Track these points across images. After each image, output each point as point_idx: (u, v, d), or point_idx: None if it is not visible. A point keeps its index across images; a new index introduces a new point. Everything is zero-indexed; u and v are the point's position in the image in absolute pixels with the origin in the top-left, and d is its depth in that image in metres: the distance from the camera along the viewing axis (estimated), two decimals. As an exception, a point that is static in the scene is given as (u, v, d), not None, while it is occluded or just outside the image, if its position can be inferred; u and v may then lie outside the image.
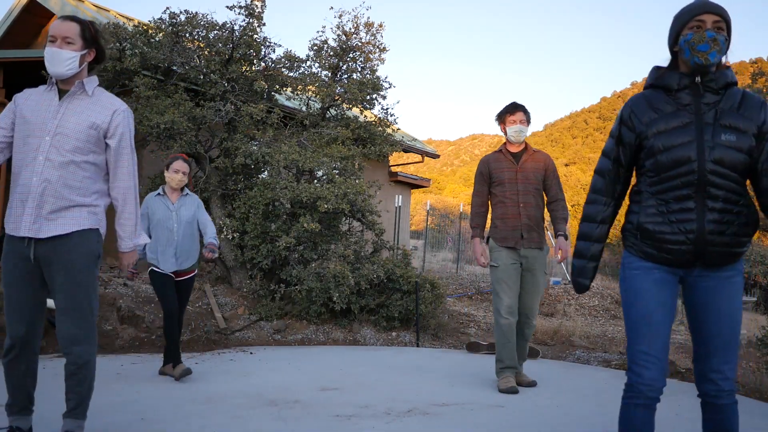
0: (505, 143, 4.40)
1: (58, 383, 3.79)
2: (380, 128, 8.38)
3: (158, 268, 4.18)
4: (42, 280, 2.43)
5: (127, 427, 3.01)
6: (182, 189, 4.38)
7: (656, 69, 2.09)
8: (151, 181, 7.47)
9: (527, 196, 4.23)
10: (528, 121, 4.34)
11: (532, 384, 4.29)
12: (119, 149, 2.50)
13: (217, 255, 4.47)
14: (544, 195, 4.37)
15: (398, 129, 10.74)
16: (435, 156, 15.65)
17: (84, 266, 2.41)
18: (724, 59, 2.02)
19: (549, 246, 4.57)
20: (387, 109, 8.58)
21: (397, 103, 10.36)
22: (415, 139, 15.23)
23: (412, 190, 16.55)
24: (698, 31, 1.93)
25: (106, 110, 2.47)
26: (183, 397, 3.64)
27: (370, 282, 6.43)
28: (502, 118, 4.37)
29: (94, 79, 2.52)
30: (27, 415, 2.58)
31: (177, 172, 4.30)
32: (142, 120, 6.47)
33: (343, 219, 7.30)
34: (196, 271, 4.43)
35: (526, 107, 4.37)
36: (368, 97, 8.16)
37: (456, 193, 57.11)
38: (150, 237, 4.18)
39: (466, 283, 11.04)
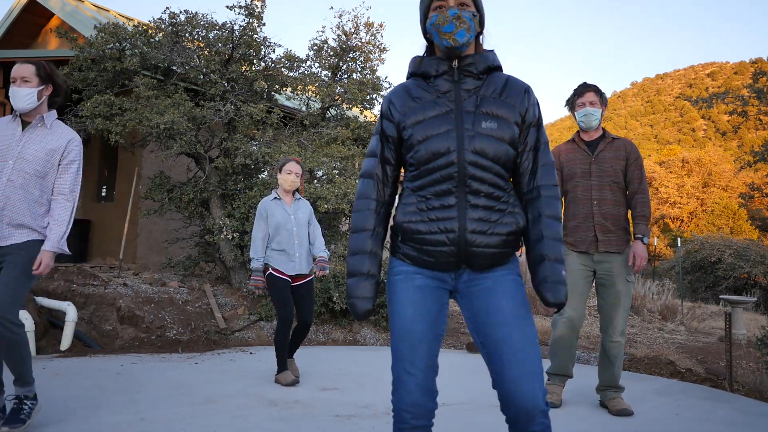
0: (578, 131, 3.83)
1: (58, 383, 3.79)
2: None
3: (279, 272, 4.12)
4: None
5: (127, 427, 3.01)
6: (294, 193, 4.30)
7: (415, 58, 1.87)
8: (150, 181, 7.48)
9: (603, 191, 3.63)
10: (602, 103, 3.72)
11: (624, 412, 3.49)
12: (66, 168, 2.92)
13: (327, 272, 4.37)
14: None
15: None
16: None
17: (28, 264, 2.80)
18: (484, 41, 1.84)
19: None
20: (387, 109, 8.56)
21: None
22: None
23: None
24: (441, 12, 1.74)
25: (62, 139, 2.92)
26: (183, 397, 3.64)
27: (370, 282, 6.42)
28: (572, 104, 3.80)
29: (53, 114, 2.97)
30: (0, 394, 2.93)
31: (290, 173, 4.21)
32: (142, 120, 6.47)
33: (343, 219, 7.30)
34: (312, 275, 4.31)
35: (599, 87, 3.73)
36: (368, 97, 8.16)
37: (456, 193, 57.04)
38: (269, 240, 4.16)
39: (466, 283, 11.02)
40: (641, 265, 3.55)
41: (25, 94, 2.82)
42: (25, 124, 2.89)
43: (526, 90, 1.81)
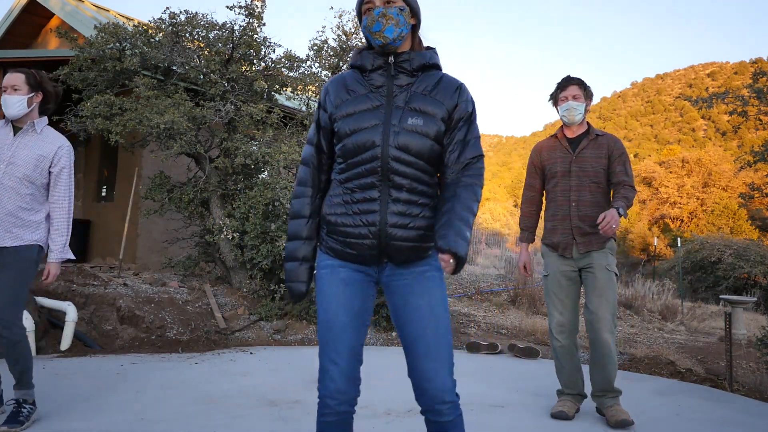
0: (561, 127, 3.65)
1: (58, 383, 3.79)
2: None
3: None
4: None
5: (127, 427, 3.01)
6: None
7: (356, 50, 1.89)
8: (151, 181, 7.48)
9: (582, 192, 3.46)
10: (586, 97, 3.53)
11: (623, 424, 3.26)
12: (59, 176, 3.02)
13: None
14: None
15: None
16: (435, 156, 15.63)
17: (23, 271, 2.92)
18: (425, 37, 1.86)
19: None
20: (387, 109, 8.57)
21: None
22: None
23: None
24: (369, 14, 1.78)
25: (53, 145, 3.01)
26: (183, 397, 3.64)
27: (370, 282, 6.43)
28: (555, 98, 3.62)
29: (44, 120, 3.07)
30: None
31: None
32: (142, 120, 6.47)
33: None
34: None
35: (583, 80, 3.55)
36: (368, 97, 8.14)
37: (456, 193, 57.07)
38: None
39: (466, 283, 11.04)
40: (609, 226, 3.10)
41: (15, 102, 2.94)
42: (16, 130, 3.00)
43: (458, 87, 1.83)
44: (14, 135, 2.99)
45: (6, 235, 2.89)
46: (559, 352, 3.50)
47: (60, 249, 3.01)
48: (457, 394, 1.79)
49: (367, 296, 1.84)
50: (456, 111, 1.81)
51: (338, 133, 1.81)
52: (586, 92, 3.54)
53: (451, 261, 1.64)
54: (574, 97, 3.49)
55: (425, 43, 1.93)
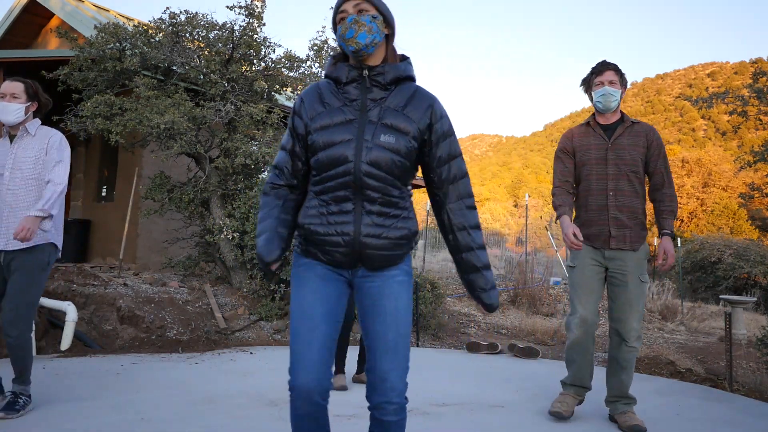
0: (593, 114, 3.47)
1: (58, 383, 3.79)
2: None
3: None
4: (2, 277, 3.14)
5: (127, 427, 3.01)
6: None
7: (331, 59, 1.93)
8: (151, 181, 7.48)
9: (620, 181, 3.29)
10: (622, 84, 3.37)
11: (635, 429, 3.18)
12: (50, 158, 3.18)
13: None
14: (647, 181, 3.42)
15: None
16: (435, 156, 15.62)
17: (37, 270, 3.10)
18: (400, 48, 1.88)
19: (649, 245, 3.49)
20: (387, 108, 8.57)
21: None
22: (415, 139, 15.21)
23: (413, 190, 16.55)
24: (343, 22, 1.82)
25: (45, 138, 3.22)
26: (183, 397, 3.64)
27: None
28: (588, 83, 3.44)
29: (36, 122, 3.26)
30: None
31: None
32: (142, 120, 6.47)
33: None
34: None
35: (619, 66, 3.39)
36: (368, 97, 8.15)
37: (456, 193, 57.00)
38: None
39: (466, 283, 11.01)
40: (671, 263, 3.20)
41: (14, 109, 3.13)
42: (12, 137, 3.21)
43: (431, 104, 1.87)
44: (11, 143, 3.19)
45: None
46: (575, 348, 3.37)
47: (41, 204, 2.99)
48: (406, 398, 1.85)
49: (342, 294, 1.90)
50: (432, 131, 1.86)
51: (312, 146, 1.84)
52: (622, 79, 3.38)
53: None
54: (611, 83, 3.33)
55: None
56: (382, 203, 1.81)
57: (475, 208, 1.92)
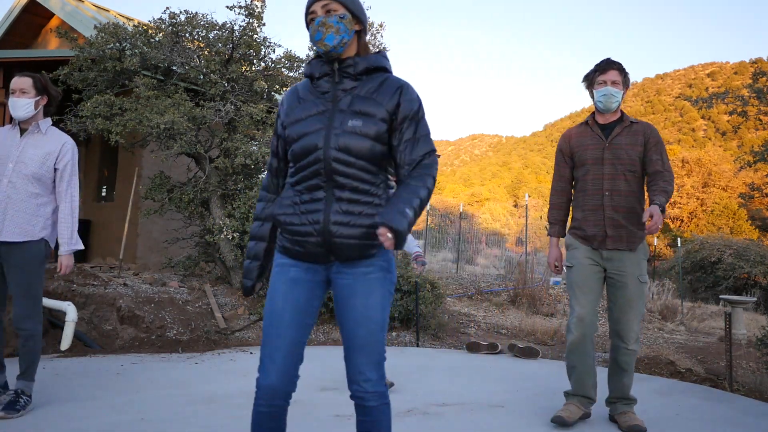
0: (593, 113, 3.43)
1: (58, 383, 3.79)
2: (380, 128, 8.37)
3: None
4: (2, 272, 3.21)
5: (127, 427, 3.01)
6: None
7: (309, 59, 2.03)
8: (150, 181, 7.48)
9: (616, 181, 3.25)
10: (624, 84, 3.32)
11: (635, 429, 3.18)
12: (63, 171, 3.24)
13: (426, 266, 4.22)
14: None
15: (398, 129, 10.71)
16: (435, 156, 15.63)
17: (34, 267, 3.17)
18: (376, 41, 1.92)
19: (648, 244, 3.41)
20: (387, 109, 8.56)
21: (397, 103, 10.42)
22: (415, 139, 15.21)
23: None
24: (312, 24, 1.87)
25: (57, 142, 3.25)
26: (183, 397, 3.64)
27: (370, 282, 6.43)
28: (590, 80, 3.37)
29: (48, 121, 3.30)
30: (1, 372, 3.29)
31: None
32: (142, 120, 6.47)
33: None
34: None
35: (623, 66, 3.33)
36: (368, 97, 8.14)
37: (456, 193, 57.11)
38: None
39: (466, 283, 11.04)
40: (656, 225, 2.90)
41: (23, 104, 3.17)
42: (22, 131, 3.24)
43: (400, 87, 1.88)
44: (21, 136, 3.22)
45: (16, 230, 3.11)
46: (574, 351, 3.30)
47: (68, 240, 3.19)
48: (385, 384, 1.91)
49: (314, 297, 1.93)
50: (399, 111, 1.86)
51: (287, 139, 1.91)
52: (625, 79, 3.33)
53: (389, 235, 1.69)
54: (613, 83, 3.27)
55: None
56: (352, 190, 1.82)
57: (434, 177, 1.85)
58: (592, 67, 3.41)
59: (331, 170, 1.81)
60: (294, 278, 1.90)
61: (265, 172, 2.04)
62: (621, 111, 3.38)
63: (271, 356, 1.87)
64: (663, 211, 3.01)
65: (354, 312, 1.87)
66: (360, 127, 1.81)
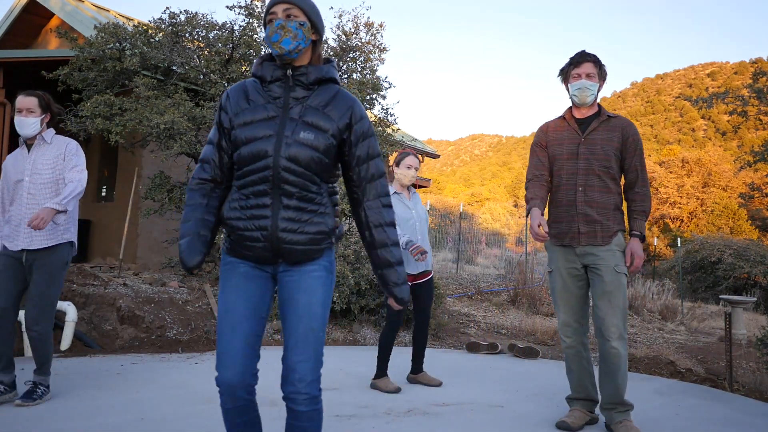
0: (570, 107, 3.35)
1: (58, 383, 3.79)
2: (380, 128, 8.38)
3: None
4: (23, 275, 3.39)
5: (127, 427, 3.01)
6: (408, 187, 4.13)
7: (258, 59, 1.98)
8: (150, 181, 7.48)
9: (589, 176, 3.17)
10: (600, 77, 3.25)
11: None
12: (68, 163, 3.45)
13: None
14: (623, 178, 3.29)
15: (398, 129, 10.74)
16: (435, 156, 15.66)
17: (57, 269, 3.39)
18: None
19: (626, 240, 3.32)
20: (387, 109, 8.58)
21: (397, 103, 10.41)
22: (415, 139, 15.25)
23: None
24: (270, 25, 1.88)
25: (62, 145, 3.50)
26: (183, 397, 3.64)
27: (370, 282, 6.43)
28: (565, 74, 3.30)
29: (51, 131, 3.53)
30: (10, 371, 3.41)
31: (410, 168, 4.02)
32: (142, 120, 6.47)
33: (344, 219, 7.29)
34: (432, 273, 4.09)
35: (599, 58, 3.25)
36: (368, 97, 8.16)
37: (456, 193, 57.14)
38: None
39: (466, 283, 11.04)
40: (638, 266, 3.10)
41: (31, 123, 3.41)
42: (29, 146, 3.48)
43: (351, 106, 1.92)
44: (29, 152, 3.46)
45: (44, 236, 3.32)
46: (567, 354, 3.33)
47: (60, 198, 3.25)
48: (319, 389, 1.90)
49: (266, 290, 1.95)
50: (352, 132, 1.92)
51: (235, 141, 1.90)
52: (601, 71, 3.26)
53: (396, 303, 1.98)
54: (588, 76, 3.20)
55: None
56: (299, 198, 1.86)
57: (390, 206, 1.97)
58: (566, 60, 3.32)
59: (279, 178, 1.83)
60: (244, 273, 1.93)
61: (198, 164, 1.99)
62: (598, 105, 3.31)
63: (227, 349, 1.87)
64: (643, 238, 3.13)
65: (297, 307, 1.89)
66: (311, 140, 1.84)
